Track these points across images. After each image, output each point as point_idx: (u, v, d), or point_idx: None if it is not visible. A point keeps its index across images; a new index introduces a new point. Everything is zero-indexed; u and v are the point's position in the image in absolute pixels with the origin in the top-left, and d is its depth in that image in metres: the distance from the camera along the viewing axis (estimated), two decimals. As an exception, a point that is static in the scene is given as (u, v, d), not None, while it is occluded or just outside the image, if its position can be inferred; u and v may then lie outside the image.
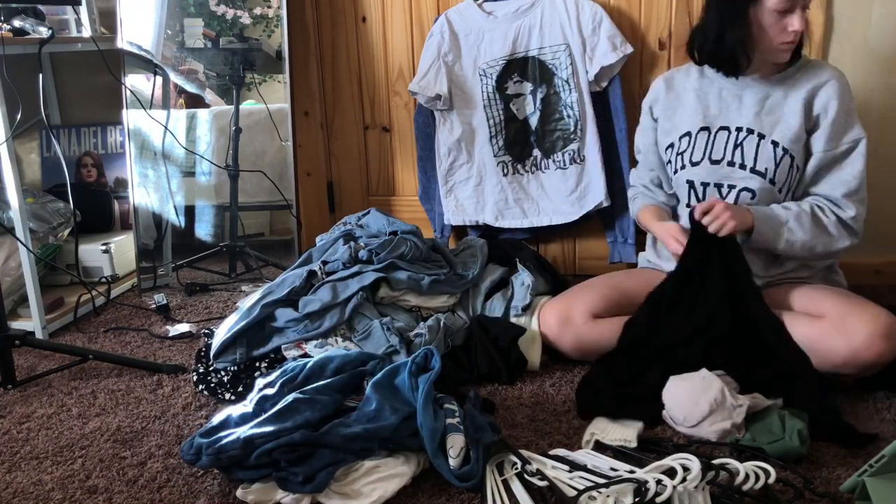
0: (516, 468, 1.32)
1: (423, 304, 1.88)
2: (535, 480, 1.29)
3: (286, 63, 2.48)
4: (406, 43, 2.46)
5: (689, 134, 1.79)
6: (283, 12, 2.45)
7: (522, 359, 1.76)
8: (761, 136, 1.70)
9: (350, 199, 2.66)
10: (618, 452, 1.40)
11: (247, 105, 2.65)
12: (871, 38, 2.13)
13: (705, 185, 1.75)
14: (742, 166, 1.71)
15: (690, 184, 1.78)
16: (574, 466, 1.32)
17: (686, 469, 1.20)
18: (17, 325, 2.11)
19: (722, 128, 1.75)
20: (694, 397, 1.46)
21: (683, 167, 1.78)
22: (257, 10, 2.56)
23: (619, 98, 2.24)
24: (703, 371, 1.51)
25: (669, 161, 1.84)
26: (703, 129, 1.77)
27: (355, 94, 2.55)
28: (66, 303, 2.27)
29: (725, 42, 1.67)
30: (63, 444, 1.54)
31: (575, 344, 1.77)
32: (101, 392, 1.76)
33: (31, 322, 2.11)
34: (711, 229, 1.60)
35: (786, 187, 1.71)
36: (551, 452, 1.39)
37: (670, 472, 1.20)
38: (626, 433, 1.45)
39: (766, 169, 1.69)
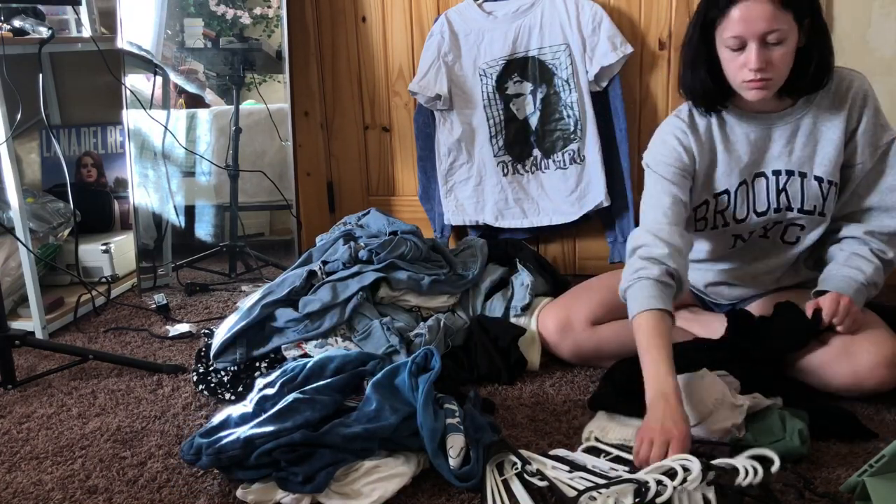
0: (516, 468, 1.32)
1: (423, 304, 1.88)
2: (535, 481, 1.29)
3: (286, 63, 2.48)
4: (406, 43, 2.46)
5: (727, 192, 1.62)
6: (283, 12, 2.45)
7: (522, 359, 1.75)
8: (803, 175, 1.57)
9: (350, 199, 2.66)
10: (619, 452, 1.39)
11: (247, 105, 2.65)
12: (871, 38, 2.13)
13: (752, 233, 1.66)
14: (789, 209, 1.60)
15: (737, 237, 1.67)
16: (574, 466, 1.32)
17: (686, 470, 1.20)
18: (17, 325, 2.11)
19: (758, 174, 1.60)
20: (694, 398, 1.45)
21: (727, 224, 1.64)
22: (257, 10, 2.56)
23: (619, 98, 2.24)
24: (704, 371, 1.51)
25: (704, 218, 1.66)
26: (741, 184, 1.60)
27: (355, 94, 2.55)
28: (66, 303, 2.27)
29: (693, 78, 1.54)
30: (63, 444, 1.53)
31: (574, 350, 1.77)
32: (101, 392, 1.76)
33: (31, 322, 2.11)
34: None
35: (832, 212, 1.62)
36: (551, 452, 1.39)
37: (671, 473, 1.20)
38: (625, 433, 1.45)
39: (814, 207, 1.59)
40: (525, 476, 1.30)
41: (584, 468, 1.31)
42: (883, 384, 1.49)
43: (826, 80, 1.51)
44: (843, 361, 1.51)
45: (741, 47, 1.42)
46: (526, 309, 1.89)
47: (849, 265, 1.56)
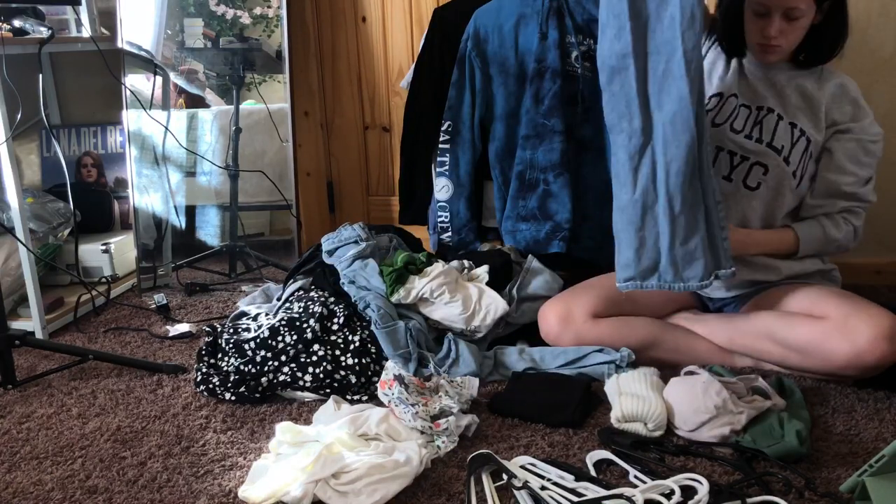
0: (517, 480, 1.30)
1: (432, 314, 1.87)
2: (523, 494, 1.27)
3: (286, 63, 2.48)
4: (406, 43, 2.46)
5: (720, 95, 1.77)
6: (283, 12, 2.46)
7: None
8: (780, 117, 1.70)
9: (350, 199, 2.66)
10: (619, 452, 1.39)
11: (247, 105, 2.65)
12: (871, 38, 2.13)
13: (720, 149, 1.74)
14: (759, 140, 1.70)
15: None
16: (579, 476, 1.32)
17: (688, 489, 1.22)
18: (17, 325, 2.11)
19: (744, 105, 1.74)
20: (695, 404, 1.45)
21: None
22: (257, 10, 2.56)
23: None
24: (705, 375, 1.52)
25: None
26: (732, 95, 1.75)
27: (355, 94, 2.55)
28: (66, 303, 2.27)
29: (723, 27, 1.72)
30: (63, 444, 1.53)
31: (575, 343, 1.77)
32: (101, 392, 1.76)
33: (31, 322, 2.11)
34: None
35: (799, 171, 1.70)
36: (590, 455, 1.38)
37: (676, 492, 1.22)
38: (635, 405, 1.46)
39: (782, 146, 1.69)
40: (516, 487, 1.29)
41: (590, 478, 1.31)
42: (884, 358, 1.51)
43: (832, 57, 1.68)
44: (842, 338, 1.53)
45: (764, 14, 1.61)
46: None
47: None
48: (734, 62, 1.77)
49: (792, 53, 1.70)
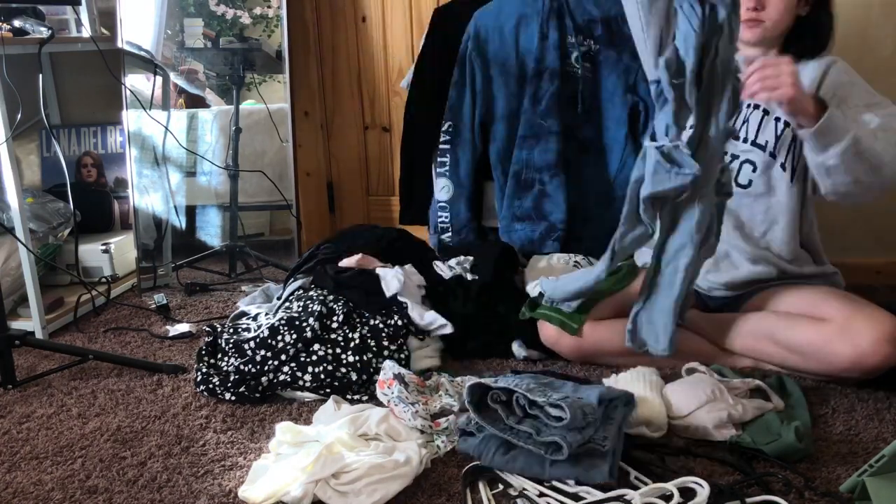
0: (514, 490, 1.29)
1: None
2: (519, 502, 1.27)
3: (286, 63, 2.48)
4: (406, 43, 2.46)
5: None
6: (283, 12, 2.46)
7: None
8: (766, 112, 1.72)
9: (350, 199, 2.66)
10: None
11: (247, 105, 2.65)
12: (871, 37, 2.13)
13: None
14: (745, 140, 1.73)
15: None
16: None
17: (687, 491, 1.21)
18: (17, 325, 2.11)
19: None
20: (688, 392, 1.47)
21: None
22: (257, 10, 2.56)
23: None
24: (704, 371, 1.52)
25: None
26: None
27: (355, 94, 2.55)
28: (66, 303, 2.27)
29: None
30: (63, 444, 1.53)
31: (574, 347, 1.77)
32: (101, 392, 1.76)
33: (31, 322, 2.11)
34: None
35: (788, 162, 1.70)
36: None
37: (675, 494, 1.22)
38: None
39: (766, 142, 1.71)
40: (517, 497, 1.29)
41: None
42: (886, 360, 1.51)
43: (819, 52, 1.68)
44: (845, 341, 1.53)
45: None
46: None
47: None
48: None
49: (780, 48, 1.71)
